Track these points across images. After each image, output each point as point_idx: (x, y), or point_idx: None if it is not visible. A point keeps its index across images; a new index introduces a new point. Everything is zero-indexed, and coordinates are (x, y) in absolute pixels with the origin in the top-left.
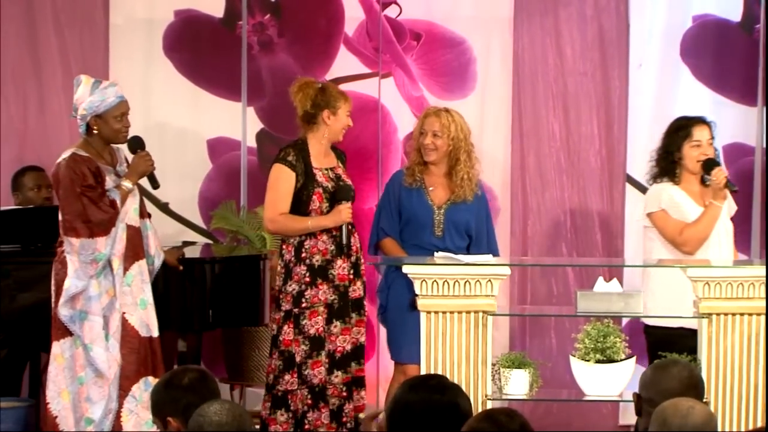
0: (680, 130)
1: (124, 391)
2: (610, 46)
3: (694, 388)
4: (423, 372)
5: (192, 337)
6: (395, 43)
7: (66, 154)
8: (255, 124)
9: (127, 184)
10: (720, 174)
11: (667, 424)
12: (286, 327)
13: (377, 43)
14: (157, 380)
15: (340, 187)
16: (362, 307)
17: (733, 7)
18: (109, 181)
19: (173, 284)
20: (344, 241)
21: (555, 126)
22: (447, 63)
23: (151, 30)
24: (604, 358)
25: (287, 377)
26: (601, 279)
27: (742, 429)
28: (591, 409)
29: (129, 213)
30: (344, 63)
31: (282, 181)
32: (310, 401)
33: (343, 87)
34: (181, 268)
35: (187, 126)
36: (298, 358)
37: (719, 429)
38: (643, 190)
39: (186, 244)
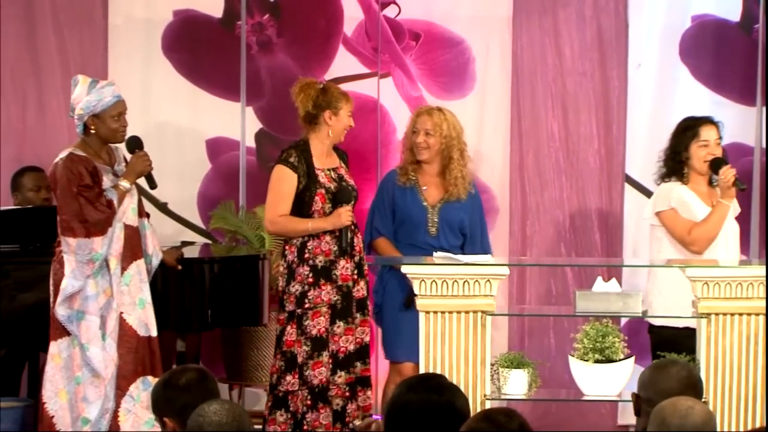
0: (688, 130)
1: (121, 390)
2: (609, 46)
3: (693, 388)
4: (421, 372)
5: (191, 337)
6: (394, 43)
7: (63, 154)
8: (254, 124)
9: (124, 183)
10: (728, 173)
11: (666, 423)
12: (289, 328)
13: (376, 43)
14: (156, 380)
15: (341, 189)
16: (366, 306)
17: (732, 7)
18: (107, 181)
19: (172, 284)
20: (344, 244)
21: (554, 126)
22: (446, 63)
23: (150, 30)
24: (603, 358)
25: (288, 378)
26: (599, 279)
27: (741, 429)
28: (590, 409)
29: (127, 213)
30: (343, 63)
31: (283, 182)
32: (309, 402)
33: (342, 87)
34: (179, 267)
35: (186, 126)
36: (299, 359)
37: (718, 429)
38: (642, 190)
39: (185, 244)
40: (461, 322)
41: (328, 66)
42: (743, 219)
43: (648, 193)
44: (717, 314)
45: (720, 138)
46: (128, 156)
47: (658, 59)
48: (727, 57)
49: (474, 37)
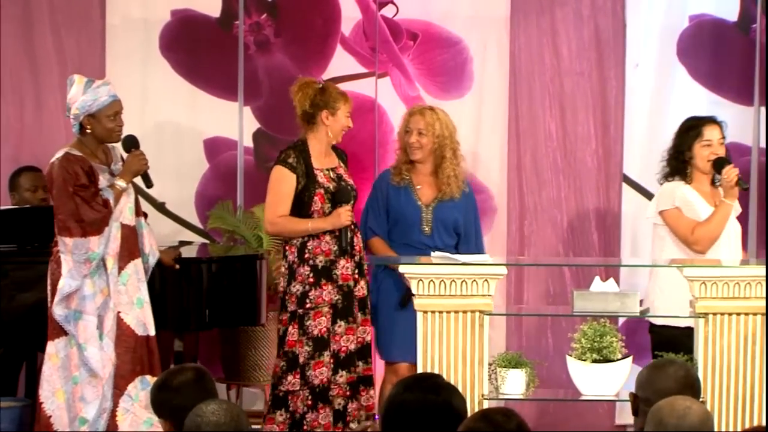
0: (691, 129)
1: (119, 390)
2: (607, 46)
3: (691, 387)
4: (419, 371)
5: (189, 337)
6: (392, 43)
7: (59, 154)
8: (252, 124)
9: (120, 183)
10: (731, 172)
11: (663, 424)
12: (290, 328)
13: (374, 42)
14: (154, 379)
15: (340, 189)
16: (367, 306)
17: (730, 7)
18: (103, 181)
19: (170, 284)
20: (344, 244)
21: (551, 126)
22: (443, 63)
23: (148, 30)
24: (601, 358)
25: (290, 378)
26: (597, 278)
27: (739, 429)
28: (587, 409)
29: (124, 212)
30: (341, 63)
31: (282, 183)
32: (310, 402)
33: (339, 87)
34: (177, 267)
35: (183, 126)
36: (301, 359)
37: (716, 429)
38: (639, 189)
39: (182, 243)
40: (459, 321)
41: (325, 66)
42: (741, 219)
43: (646, 193)
44: (715, 314)
45: (723, 138)
46: (125, 155)
47: (655, 59)
48: (725, 57)
49: (471, 36)
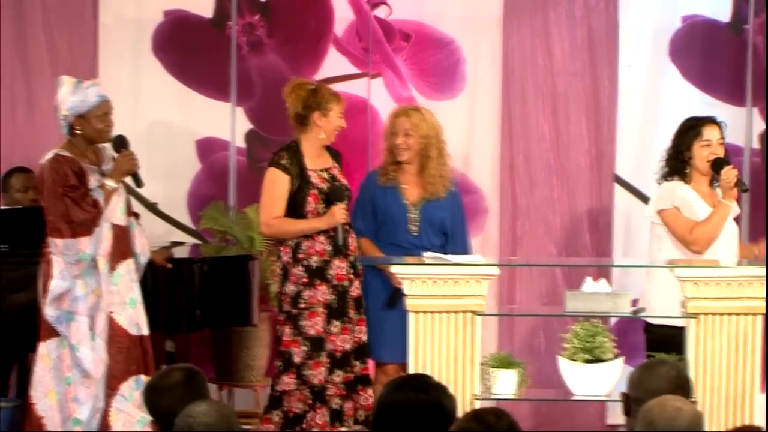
0: (690, 129)
1: (111, 390)
2: (600, 47)
3: (682, 387)
4: (410, 372)
5: (180, 337)
6: (385, 44)
7: (49, 155)
8: (244, 125)
9: (110, 183)
10: (730, 173)
11: (654, 425)
12: (286, 328)
13: (367, 43)
14: (148, 378)
15: (333, 188)
16: (362, 305)
17: (722, 8)
18: (93, 181)
19: (161, 284)
20: (340, 242)
21: (544, 126)
22: (436, 63)
23: (141, 30)
24: (592, 358)
25: (285, 378)
26: (589, 279)
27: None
28: (579, 409)
29: (115, 212)
30: (334, 63)
31: (276, 185)
32: (310, 401)
33: (332, 87)
34: (169, 266)
35: (176, 126)
36: (297, 359)
37: (707, 429)
38: (632, 190)
39: (174, 244)
40: (451, 322)
41: (318, 66)
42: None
43: (638, 194)
44: (706, 314)
45: (723, 138)
46: (115, 155)
47: (648, 59)
48: (717, 57)
49: (464, 37)
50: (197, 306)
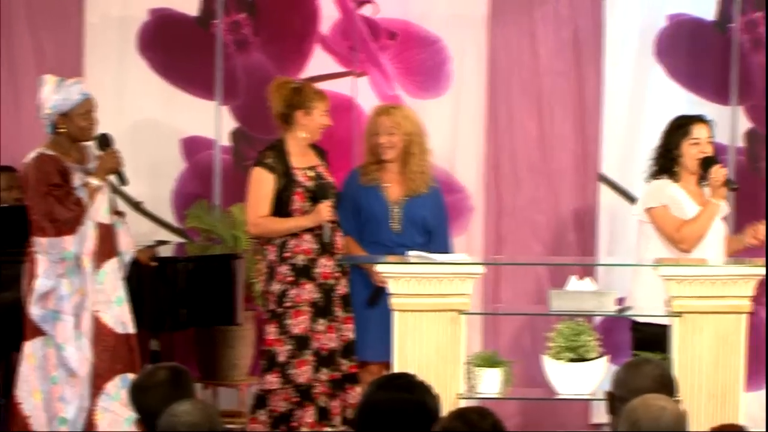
0: (679, 128)
1: (97, 389)
2: (585, 46)
3: (667, 386)
4: (394, 371)
5: (165, 336)
6: (370, 42)
7: (33, 154)
8: (229, 123)
9: (94, 181)
10: (719, 172)
11: (638, 424)
12: (270, 327)
13: (352, 42)
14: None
15: (319, 186)
16: (350, 303)
17: (708, 7)
18: (77, 180)
19: (146, 283)
20: (327, 239)
21: (529, 125)
22: (422, 62)
23: (126, 28)
24: (577, 357)
25: (269, 377)
26: (573, 278)
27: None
28: (563, 408)
29: (99, 211)
30: (319, 62)
31: (261, 184)
32: (296, 399)
33: (318, 86)
34: (153, 264)
35: (161, 124)
36: (281, 358)
37: (691, 428)
38: (617, 189)
39: (159, 243)
40: (435, 320)
41: (304, 65)
42: None
43: (623, 193)
44: (690, 313)
45: (711, 136)
46: (99, 154)
47: (633, 58)
48: (702, 56)
49: (450, 36)
50: (182, 305)
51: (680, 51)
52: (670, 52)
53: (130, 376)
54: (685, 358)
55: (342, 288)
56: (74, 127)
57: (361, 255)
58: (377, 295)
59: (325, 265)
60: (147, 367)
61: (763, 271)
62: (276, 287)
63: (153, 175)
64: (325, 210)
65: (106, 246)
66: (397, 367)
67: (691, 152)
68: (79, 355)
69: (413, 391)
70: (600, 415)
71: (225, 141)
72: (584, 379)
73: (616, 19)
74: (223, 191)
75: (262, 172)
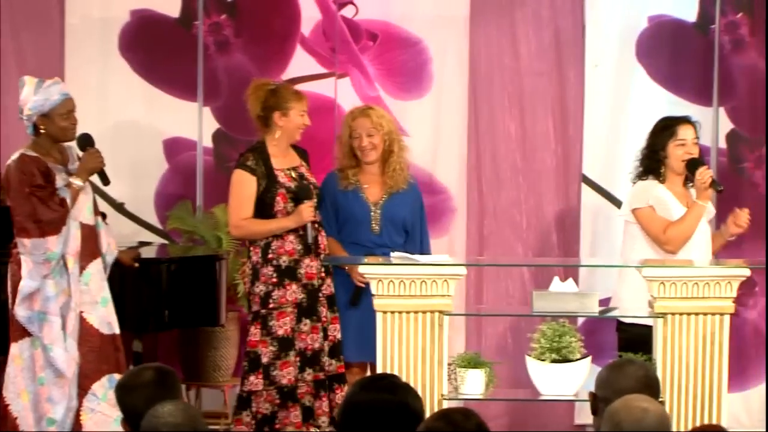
0: (665, 129)
1: (83, 389)
2: (566, 47)
3: (650, 387)
4: (378, 372)
5: (148, 337)
6: (351, 43)
7: (15, 156)
8: (211, 125)
9: (77, 182)
10: (705, 174)
11: (620, 425)
12: (253, 328)
13: (333, 43)
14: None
15: (301, 186)
16: (335, 303)
17: (689, 8)
18: (60, 180)
19: (129, 285)
20: (309, 240)
21: (511, 126)
22: (403, 63)
23: (107, 30)
24: (560, 358)
25: (252, 378)
26: (556, 279)
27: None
28: (546, 409)
29: (83, 211)
30: (301, 63)
31: (243, 186)
32: (278, 401)
33: (299, 87)
34: (136, 265)
35: (143, 126)
36: (264, 359)
37: (674, 428)
38: (599, 190)
39: (142, 244)
40: (418, 322)
41: (285, 66)
42: None
43: (605, 194)
44: (673, 314)
45: (697, 137)
46: (81, 154)
47: (614, 60)
48: (684, 57)
49: (431, 37)
50: (165, 306)
51: (661, 52)
52: (652, 53)
53: (117, 377)
54: (668, 359)
55: (328, 288)
56: (55, 128)
57: (343, 256)
58: (358, 296)
59: (309, 266)
60: (132, 368)
61: (746, 272)
62: (260, 288)
63: (135, 177)
64: (306, 211)
65: (90, 247)
66: (380, 369)
67: (677, 153)
68: (66, 356)
69: (396, 392)
70: (584, 415)
71: (207, 142)
72: (568, 380)
73: (597, 20)
74: (206, 192)
75: (243, 174)
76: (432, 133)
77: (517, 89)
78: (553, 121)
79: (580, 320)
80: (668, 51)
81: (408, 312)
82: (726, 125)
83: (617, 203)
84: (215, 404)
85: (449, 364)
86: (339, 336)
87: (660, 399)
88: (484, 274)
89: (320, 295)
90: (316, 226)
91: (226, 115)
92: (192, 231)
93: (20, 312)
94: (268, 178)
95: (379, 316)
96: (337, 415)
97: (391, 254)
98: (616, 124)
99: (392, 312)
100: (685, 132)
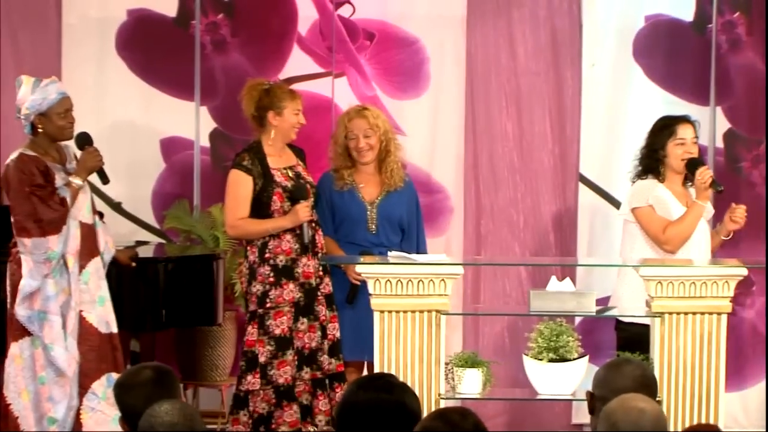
0: (665, 128)
1: (83, 388)
2: (563, 47)
3: (647, 387)
4: (375, 371)
5: (145, 337)
6: (348, 43)
7: (14, 155)
8: (208, 124)
9: (77, 181)
10: (705, 174)
11: (617, 425)
12: (250, 327)
13: (330, 42)
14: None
15: (296, 186)
16: (334, 302)
17: (685, 7)
18: (59, 179)
19: (126, 284)
20: (306, 240)
21: (508, 125)
22: (400, 63)
23: (104, 29)
24: (557, 357)
25: (249, 377)
26: (554, 278)
27: None
28: (544, 408)
29: (82, 210)
30: (298, 62)
31: (239, 186)
32: (274, 400)
33: (296, 87)
34: (133, 264)
35: (140, 125)
36: (262, 359)
37: (671, 428)
38: (596, 189)
39: (139, 243)
40: (416, 321)
41: (282, 65)
42: None
43: (602, 193)
44: (671, 313)
45: (696, 137)
46: (78, 153)
47: (611, 59)
48: (681, 57)
49: (428, 36)
50: (162, 305)
51: (658, 52)
52: (648, 52)
53: (114, 375)
54: (665, 358)
55: (326, 287)
56: (53, 127)
57: (341, 255)
58: (353, 294)
59: (306, 265)
60: (131, 367)
61: (743, 272)
62: (257, 288)
63: (132, 176)
64: (302, 211)
65: (89, 246)
66: (377, 368)
67: (676, 152)
68: (67, 355)
69: (393, 392)
70: (581, 415)
71: (204, 141)
72: (565, 380)
73: (594, 19)
74: (203, 192)
75: (238, 174)
76: (429, 133)
77: (514, 89)
78: (550, 121)
79: (578, 320)
80: (665, 50)
81: (405, 311)
82: (723, 125)
83: (614, 203)
84: (212, 403)
85: (446, 364)
86: (338, 335)
87: (657, 398)
88: (482, 274)
89: (319, 294)
90: (313, 225)
91: (223, 114)
92: (189, 230)
93: (20, 311)
94: (264, 177)
95: (376, 316)
96: (334, 414)
97: (389, 253)
98: (613, 124)
99: (389, 311)
100: (684, 131)
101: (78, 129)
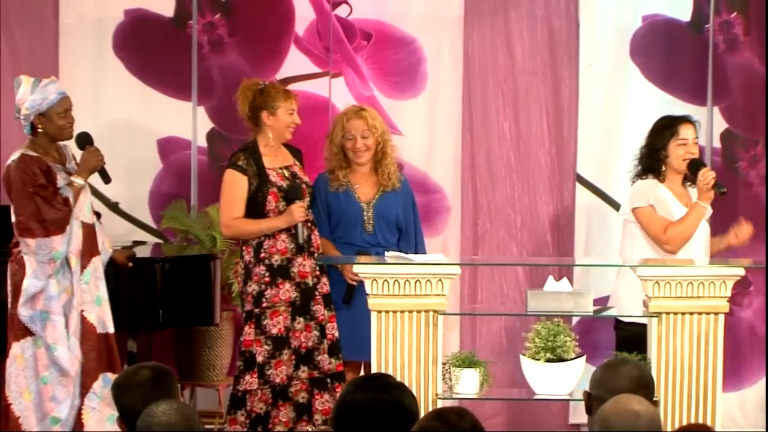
0: (666, 128)
1: (84, 388)
2: (560, 46)
3: (645, 387)
4: (373, 371)
5: (142, 337)
6: (346, 43)
7: (15, 156)
8: (205, 124)
9: (78, 180)
10: (708, 175)
11: (612, 428)
12: (247, 327)
13: (328, 42)
14: (115, 376)
15: (291, 186)
16: (332, 301)
17: (683, 7)
18: (60, 179)
19: (123, 284)
20: (300, 240)
21: (505, 125)
22: (397, 63)
23: (101, 29)
24: (555, 357)
25: (247, 377)
26: (551, 278)
27: None
28: (541, 408)
29: (83, 210)
30: (295, 62)
31: (234, 186)
32: (271, 400)
33: (293, 87)
34: (130, 264)
35: (137, 125)
36: (259, 359)
37: (668, 428)
38: (593, 189)
39: (136, 243)
40: (413, 321)
41: (279, 65)
42: None
43: (599, 193)
44: (668, 313)
45: (697, 137)
46: (78, 153)
47: (608, 59)
48: (678, 57)
49: (425, 36)
50: (159, 305)
51: (655, 52)
52: (646, 52)
53: (110, 375)
54: (663, 358)
55: (324, 287)
56: (53, 126)
57: (337, 255)
58: (350, 294)
59: (302, 264)
60: (129, 367)
61: (740, 272)
62: (252, 288)
63: (129, 176)
64: (297, 211)
65: (90, 245)
66: (374, 368)
67: (678, 153)
68: (70, 354)
69: (391, 392)
70: (579, 415)
71: (201, 141)
72: (562, 380)
73: (591, 19)
74: (200, 192)
75: (233, 173)
76: (426, 133)
77: (511, 89)
78: (547, 121)
79: (575, 319)
80: (662, 50)
81: (402, 311)
82: (720, 125)
83: (612, 202)
84: (210, 403)
85: (444, 364)
86: (337, 334)
87: (654, 399)
88: (479, 274)
89: (316, 293)
90: (309, 224)
91: (220, 114)
92: (186, 230)
93: (23, 312)
94: (259, 177)
95: (373, 316)
96: (331, 414)
97: (386, 254)
98: (610, 124)
99: (387, 311)
100: (686, 131)
101: (75, 129)
